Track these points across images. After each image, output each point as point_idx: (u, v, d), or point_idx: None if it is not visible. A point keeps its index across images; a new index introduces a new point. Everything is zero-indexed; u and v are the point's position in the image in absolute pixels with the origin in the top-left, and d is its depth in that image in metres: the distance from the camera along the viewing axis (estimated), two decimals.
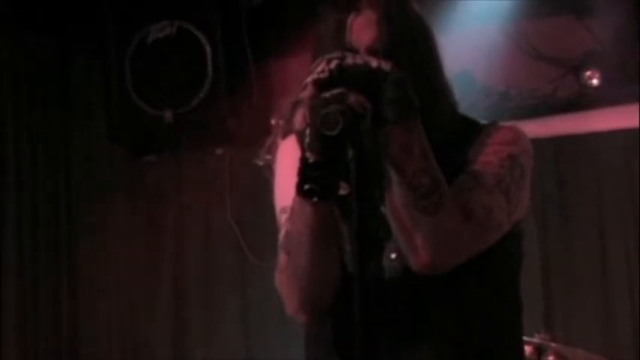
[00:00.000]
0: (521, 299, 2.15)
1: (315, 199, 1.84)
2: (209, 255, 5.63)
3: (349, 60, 1.83)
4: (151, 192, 5.74)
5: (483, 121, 2.14)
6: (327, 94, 1.78)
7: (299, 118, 1.86)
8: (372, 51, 1.97)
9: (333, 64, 1.82)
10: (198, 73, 5.13)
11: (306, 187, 1.83)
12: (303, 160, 1.82)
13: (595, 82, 4.91)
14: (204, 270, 5.63)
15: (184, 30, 5.18)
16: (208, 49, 5.11)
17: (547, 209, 5.08)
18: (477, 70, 5.00)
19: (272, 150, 2.27)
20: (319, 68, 1.82)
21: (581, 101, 4.98)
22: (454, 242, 1.91)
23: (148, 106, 5.20)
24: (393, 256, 1.99)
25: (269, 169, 2.27)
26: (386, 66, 1.85)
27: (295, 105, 1.92)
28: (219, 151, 5.48)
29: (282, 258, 2.00)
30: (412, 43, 2.03)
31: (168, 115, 5.14)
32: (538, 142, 4.72)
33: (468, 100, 4.73)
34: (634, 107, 4.88)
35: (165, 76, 5.20)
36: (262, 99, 5.13)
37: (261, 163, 2.34)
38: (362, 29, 2.01)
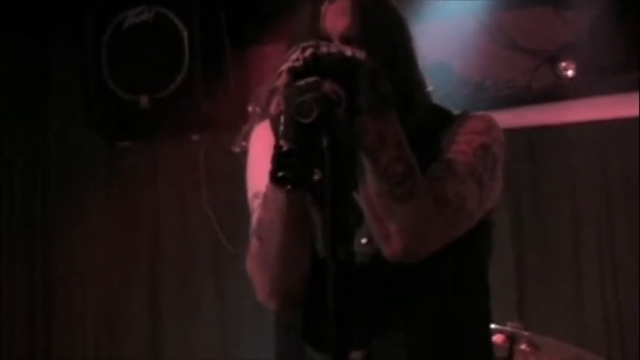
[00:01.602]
0: (489, 287, 2.17)
1: (288, 186, 1.85)
2: (185, 242, 5.63)
3: (324, 48, 1.84)
4: (126, 178, 5.73)
5: (456, 111, 2.16)
6: (302, 83, 1.79)
7: (274, 106, 1.87)
8: (345, 39, 1.99)
9: (307, 53, 1.83)
10: (175, 59, 5.12)
11: (280, 174, 1.84)
12: (277, 147, 1.83)
13: (570, 73, 4.94)
14: (180, 257, 5.63)
15: (161, 15, 5.16)
16: (185, 34, 5.10)
17: (521, 199, 5.11)
18: (453, 61, 5.01)
19: (248, 137, 2.28)
20: (294, 56, 1.83)
21: (557, 92, 5.00)
22: (427, 230, 1.92)
23: (124, 91, 5.19)
24: (364, 241, 2.01)
25: (245, 156, 2.28)
26: (360, 55, 1.86)
27: (272, 92, 1.92)
28: (195, 137, 5.48)
29: (253, 244, 2.01)
30: (386, 32, 2.04)
31: (144, 100, 5.14)
32: (513, 133, 4.79)
33: (444, 90, 4.74)
34: (609, 99, 4.92)
35: (142, 62, 5.19)
36: (239, 85, 5.13)
37: (237, 149, 2.35)
38: (336, 17, 2.02)
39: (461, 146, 2.03)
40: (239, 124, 2.36)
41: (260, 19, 5.15)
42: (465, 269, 2.08)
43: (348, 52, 1.86)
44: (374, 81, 1.85)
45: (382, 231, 1.92)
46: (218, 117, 5.12)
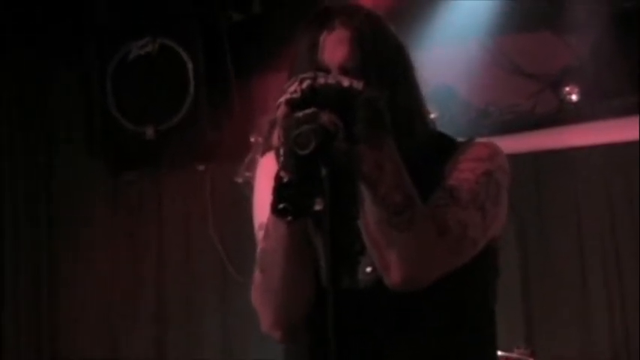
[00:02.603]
0: (495, 313, 2.16)
1: (288, 218, 1.86)
2: (191, 273, 5.63)
3: (321, 80, 1.85)
4: (131, 209, 5.74)
5: (459, 138, 2.16)
6: (300, 114, 1.80)
7: (276, 137, 1.88)
8: (344, 69, 1.99)
9: (305, 84, 1.84)
10: (180, 90, 5.15)
11: (280, 206, 1.84)
12: (277, 179, 1.84)
13: (574, 97, 4.95)
14: (186, 288, 5.63)
15: (166, 46, 5.20)
16: (190, 65, 5.13)
17: (526, 225, 5.11)
18: (456, 86, 5.03)
19: (251, 167, 2.29)
20: (292, 88, 1.84)
21: (560, 116, 5.01)
22: (428, 258, 1.92)
23: (129, 122, 5.21)
24: (369, 270, 2.01)
25: (248, 186, 2.29)
26: (358, 85, 1.87)
27: (272, 124, 1.93)
28: (200, 167, 5.49)
29: (256, 275, 2.02)
30: (385, 62, 2.04)
31: (149, 131, 5.16)
32: (517, 158, 4.80)
33: (447, 115, 4.81)
34: (612, 122, 4.92)
35: (147, 93, 5.22)
36: (244, 116, 5.15)
37: (240, 180, 2.35)
38: (334, 47, 2.03)
39: (464, 174, 2.03)
40: (244, 154, 2.37)
41: (263, 48, 5.18)
42: (468, 296, 2.08)
43: (346, 82, 1.86)
44: (371, 111, 1.86)
45: (383, 259, 1.92)
46: (223, 147, 5.14)
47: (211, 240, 5.48)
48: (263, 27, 5.29)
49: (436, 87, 4.75)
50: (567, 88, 4.96)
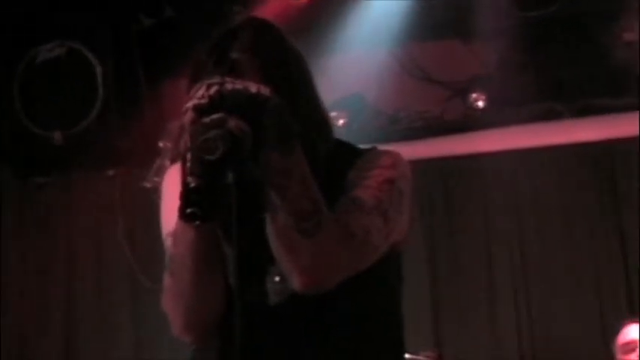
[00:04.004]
0: (402, 317, 2.19)
1: (196, 222, 1.86)
2: (101, 276, 5.59)
3: (229, 85, 1.86)
4: (40, 214, 5.67)
5: (362, 146, 2.19)
6: (207, 119, 1.81)
7: (183, 143, 1.88)
8: (246, 75, 2.01)
9: (212, 90, 1.84)
10: (89, 94, 5.09)
11: (188, 211, 1.85)
12: (185, 184, 1.84)
13: (480, 104, 5.03)
14: (97, 293, 5.58)
15: (75, 50, 5.14)
16: (99, 69, 5.08)
17: (435, 229, 5.17)
18: (366, 93, 5.08)
19: (160, 172, 2.29)
20: (199, 93, 1.85)
21: (468, 123, 5.09)
22: (333, 263, 1.95)
23: (37, 127, 5.14)
24: (277, 279, 2.03)
25: (157, 191, 2.28)
26: (265, 91, 1.88)
27: (181, 129, 1.93)
28: (110, 172, 5.45)
29: (166, 279, 2.03)
30: (286, 71, 2.06)
31: (57, 136, 5.09)
32: (426, 163, 4.85)
33: (357, 122, 4.84)
34: (518, 129, 5.02)
35: (56, 97, 5.16)
36: (153, 121, 5.12)
37: (149, 185, 2.35)
38: (237, 55, 2.04)
39: (367, 181, 2.05)
40: (153, 159, 2.36)
41: (174, 54, 5.16)
42: (373, 301, 2.11)
43: (254, 88, 1.88)
44: (279, 117, 1.88)
45: (289, 264, 1.94)
46: (133, 152, 5.10)
47: (121, 246, 5.44)
48: (174, 32, 5.26)
49: (346, 94, 4.80)
50: (474, 95, 5.04)
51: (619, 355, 4.45)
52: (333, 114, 4.65)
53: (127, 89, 5.17)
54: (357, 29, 5.00)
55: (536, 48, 4.97)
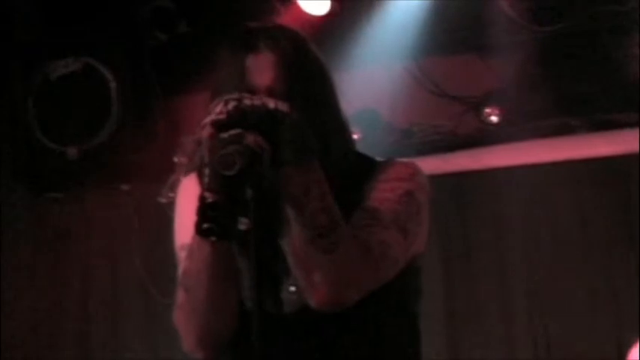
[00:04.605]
0: (420, 332, 2.19)
1: (213, 238, 1.86)
2: (116, 293, 5.59)
3: (247, 101, 1.86)
4: (55, 230, 5.68)
5: (379, 158, 2.18)
6: (225, 135, 1.81)
7: (199, 158, 1.88)
8: (270, 92, 2.00)
9: (230, 105, 1.85)
10: (104, 110, 5.10)
11: (205, 226, 1.85)
12: (202, 199, 1.84)
13: (494, 119, 5.01)
14: (111, 308, 5.58)
15: (90, 66, 5.15)
16: (114, 85, 5.10)
17: (450, 245, 5.15)
18: (380, 108, 5.07)
19: (175, 188, 2.29)
20: (217, 109, 1.85)
21: (482, 138, 5.07)
22: (352, 279, 1.94)
23: (52, 142, 5.15)
24: (292, 289, 2.02)
25: (172, 206, 2.28)
26: (284, 107, 1.88)
27: (197, 144, 1.93)
28: (125, 187, 5.45)
29: (180, 295, 2.02)
30: (309, 84, 2.06)
31: (72, 151, 5.11)
32: (440, 178, 4.84)
33: (371, 137, 4.83)
34: (532, 143, 5.00)
35: (71, 113, 5.17)
36: (168, 136, 5.13)
37: (164, 200, 2.35)
38: (260, 70, 2.03)
39: (385, 194, 2.05)
40: (168, 175, 2.36)
41: (188, 69, 5.16)
42: (392, 315, 2.10)
43: (271, 104, 1.88)
44: (297, 133, 1.88)
45: (307, 280, 1.93)
46: (148, 167, 5.11)
47: (136, 261, 5.43)
48: (188, 47, 5.27)
49: (360, 109, 4.79)
50: (488, 110, 5.03)
51: None
52: None
53: (142, 105, 5.18)
54: (371, 44, 5.00)
55: (550, 63, 4.96)
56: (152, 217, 5.14)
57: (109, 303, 5.59)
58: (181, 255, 2.06)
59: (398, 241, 2.01)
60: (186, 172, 2.19)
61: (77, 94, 5.16)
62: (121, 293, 5.58)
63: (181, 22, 5.27)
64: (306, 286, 1.94)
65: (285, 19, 4.79)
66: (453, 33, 5.05)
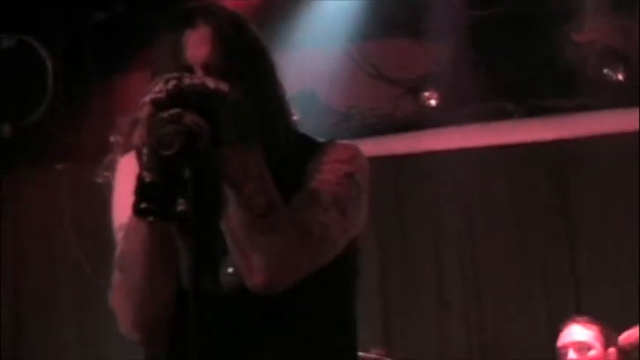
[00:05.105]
0: (356, 314, 2.18)
1: (150, 218, 1.84)
2: (49, 273, 5.53)
3: (187, 80, 1.84)
4: None
5: (321, 140, 2.17)
6: (164, 114, 1.79)
7: (137, 137, 1.85)
8: (206, 67, 1.98)
9: (170, 85, 1.82)
10: (39, 88, 5.04)
11: (142, 206, 1.82)
12: (140, 179, 1.82)
13: (433, 102, 5.04)
14: (45, 290, 5.53)
15: (25, 43, 5.08)
16: (49, 63, 5.03)
17: (386, 227, 5.18)
18: (319, 90, 5.07)
19: (110, 167, 2.25)
20: (157, 88, 1.83)
21: (420, 121, 5.10)
22: (290, 261, 1.93)
23: None
24: (230, 270, 2.01)
25: (108, 186, 2.25)
26: (224, 87, 1.87)
27: (134, 123, 1.91)
28: (59, 166, 5.39)
29: (116, 277, 1.99)
30: (247, 62, 2.04)
31: (6, 129, 5.04)
32: (378, 161, 4.85)
33: (310, 119, 4.82)
34: (469, 127, 5.04)
35: (4, 90, 5.09)
36: (105, 115, 5.08)
37: (100, 180, 2.31)
38: (196, 45, 2.01)
39: (325, 175, 2.04)
40: (104, 154, 2.33)
41: (125, 48, 5.11)
42: (331, 297, 2.09)
43: (211, 84, 1.86)
44: (237, 113, 1.86)
45: (245, 263, 1.92)
46: (83, 147, 5.05)
47: (69, 241, 5.38)
48: (126, 27, 5.22)
49: (298, 90, 4.79)
50: (427, 94, 5.05)
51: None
52: None
53: (78, 83, 5.12)
54: (309, 27, 5.00)
55: (487, 47, 4.99)
56: (88, 197, 5.09)
57: (43, 284, 5.53)
58: (119, 235, 2.04)
59: (338, 223, 2.00)
60: (123, 152, 2.15)
61: (11, 71, 5.08)
62: (55, 274, 5.53)
63: (119, 1, 5.21)
64: (243, 267, 1.93)
65: (223, 0, 4.75)
66: (391, 16, 5.06)
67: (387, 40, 5.21)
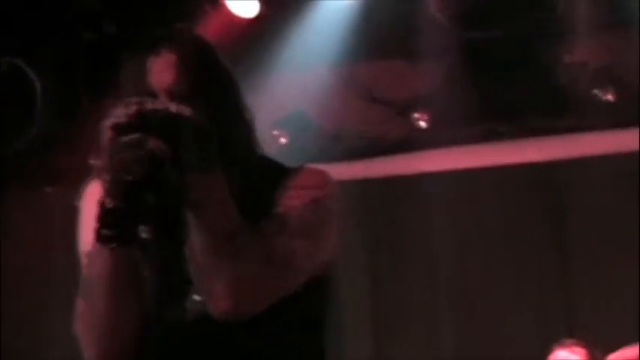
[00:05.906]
0: (325, 345, 2.14)
1: (112, 245, 1.82)
2: (37, 295, 5.51)
3: (148, 105, 1.82)
4: None
5: (290, 165, 2.14)
6: (125, 139, 1.77)
7: (99, 163, 1.83)
8: (170, 94, 1.96)
9: (132, 109, 1.80)
10: (28, 111, 5.03)
11: (104, 232, 1.80)
12: (102, 205, 1.80)
13: (423, 124, 5.03)
14: (32, 313, 5.50)
15: (14, 66, 5.07)
16: (38, 86, 5.02)
17: (378, 249, 5.16)
18: (309, 111, 5.06)
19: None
20: (118, 112, 1.81)
21: (410, 143, 5.08)
22: (255, 289, 1.89)
23: None
24: (197, 298, 1.97)
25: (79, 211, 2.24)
26: (185, 111, 1.84)
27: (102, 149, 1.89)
28: (49, 189, 5.38)
29: (79, 304, 1.96)
30: (212, 88, 2.02)
31: None
32: (368, 183, 4.84)
33: (300, 141, 4.81)
34: (460, 149, 5.03)
35: None
36: (95, 138, 5.05)
37: (80, 203, 2.30)
38: (161, 71, 1.99)
39: (292, 201, 2.00)
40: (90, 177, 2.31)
41: (115, 71, 5.09)
42: (298, 326, 2.05)
43: (174, 108, 1.83)
44: (199, 137, 1.84)
45: (208, 290, 1.88)
46: (73, 170, 5.03)
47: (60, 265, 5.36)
48: (115, 48, 5.21)
49: (289, 112, 4.77)
50: (417, 115, 5.04)
51: None
52: (274, 133, 4.64)
53: (67, 106, 5.11)
54: (300, 48, 4.98)
55: (478, 69, 4.98)
56: (73, 220, 5.06)
57: (31, 305, 5.50)
58: (84, 262, 2.01)
59: (304, 249, 1.96)
60: (93, 177, 2.13)
61: (1, 94, 5.07)
62: (42, 295, 5.50)
63: (108, 24, 5.20)
64: (207, 295, 1.90)
65: (214, 21, 4.75)
66: (382, 38, 5.05)
67: (378, 61, 5.20)
